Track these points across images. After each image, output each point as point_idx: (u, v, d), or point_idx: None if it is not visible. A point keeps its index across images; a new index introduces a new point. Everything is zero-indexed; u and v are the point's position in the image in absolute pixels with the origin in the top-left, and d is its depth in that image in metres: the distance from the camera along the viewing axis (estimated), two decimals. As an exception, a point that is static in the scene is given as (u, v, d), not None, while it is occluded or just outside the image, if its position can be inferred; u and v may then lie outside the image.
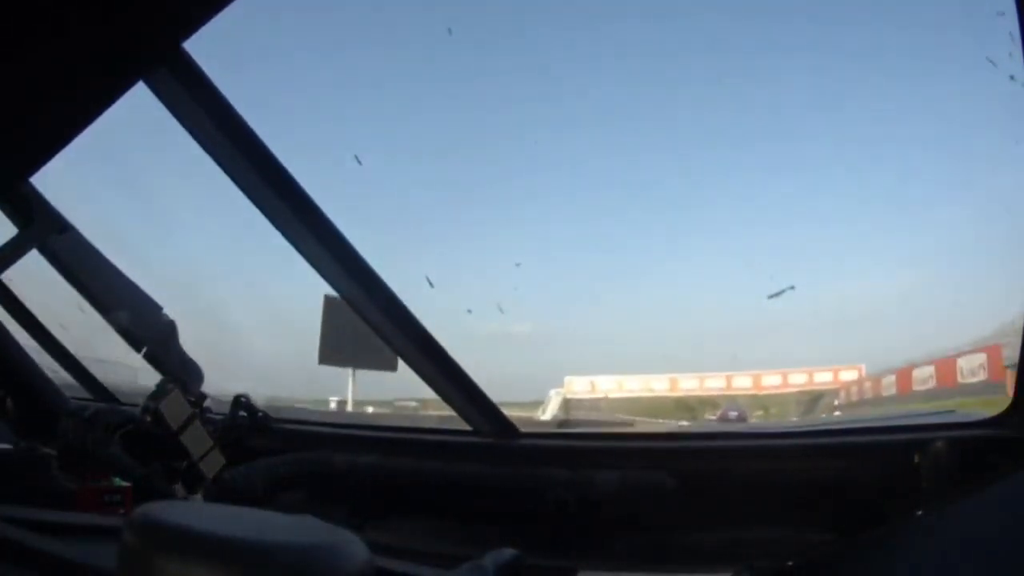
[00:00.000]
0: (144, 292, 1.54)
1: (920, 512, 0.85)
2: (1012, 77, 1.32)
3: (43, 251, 1.54)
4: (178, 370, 1.48)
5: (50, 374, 1.73)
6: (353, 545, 0.40)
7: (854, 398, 11.89)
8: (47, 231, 1.45)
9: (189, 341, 1.54)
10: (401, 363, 1.55)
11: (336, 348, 7.20)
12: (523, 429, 1.51)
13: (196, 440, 1.33)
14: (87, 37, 0.79)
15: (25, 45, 0.79)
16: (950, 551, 0.68)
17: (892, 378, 10.67)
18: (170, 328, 1.53)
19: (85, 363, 1.88)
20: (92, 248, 1.53)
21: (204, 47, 1.03)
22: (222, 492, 1.33)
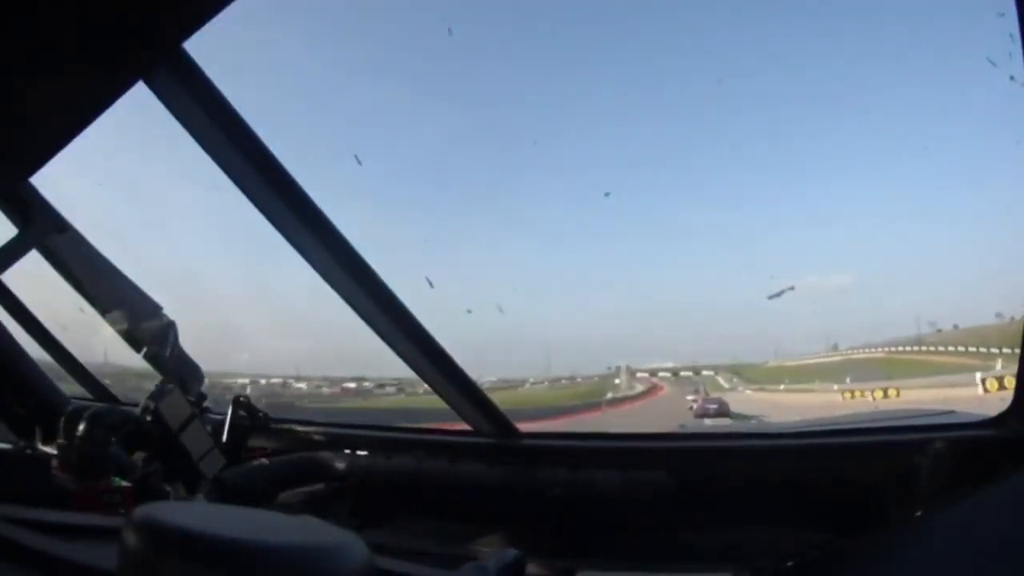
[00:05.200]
0: (144, 292, 1.54)
1: (920, 512, 0.85)
2: (1012, 77, 1.32)
3: (43, 251, 1.54)
4: (178, 370, 1.48)
5: (50, 374, 1.73)
6: (353, 545, 0.40)
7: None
8: (47, 231, 1.45)
9: (189, 341, 1.55)
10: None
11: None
12: (523, 430, 1.51)
13: (196, 440, 1.33)
14: (87, 37, 0.79)
15: (25, 45, 0.78)
16: (950, 551, 0.68)
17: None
18: (170, 328, 1.53)
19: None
20: (92, 248, 1.53)
21: (204, 47, 1.03)
22: (222, 492, 1.33)
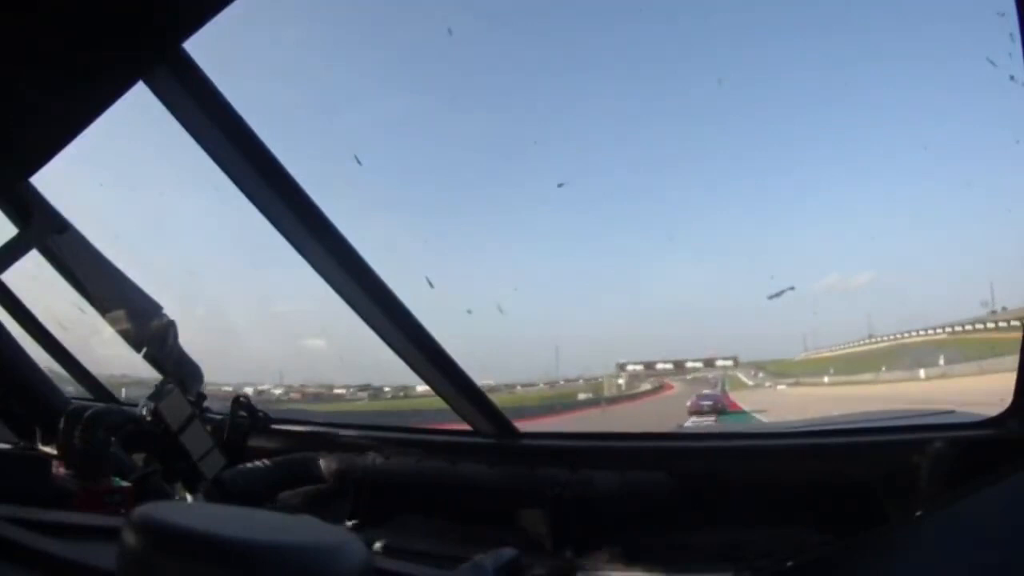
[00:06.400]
0: (144, 292, 1.54)
1: (920, 512, 0.85)
2: (1012, 77, 1.32)
3: (43, 251, 1.54)
4: (178, 370, 1.48)
5: (50, 374, 1.73)
6: (353, 545, 0.40)
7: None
8: (47, 231, 1.45)
9: (189, 341, 1.55)
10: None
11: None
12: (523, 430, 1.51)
13: (196, 440, 1.33)
14: (87, 37, 0.79)
15: (25, 45, 0.78)
16: (950, 551, 0.68)
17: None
18: (170, 328, 1.53)
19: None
20: (92, 248, 1.53)
21: (204, 47, 1.03)
22: (222, 492, 1.33)
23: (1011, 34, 0.91)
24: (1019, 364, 1.03)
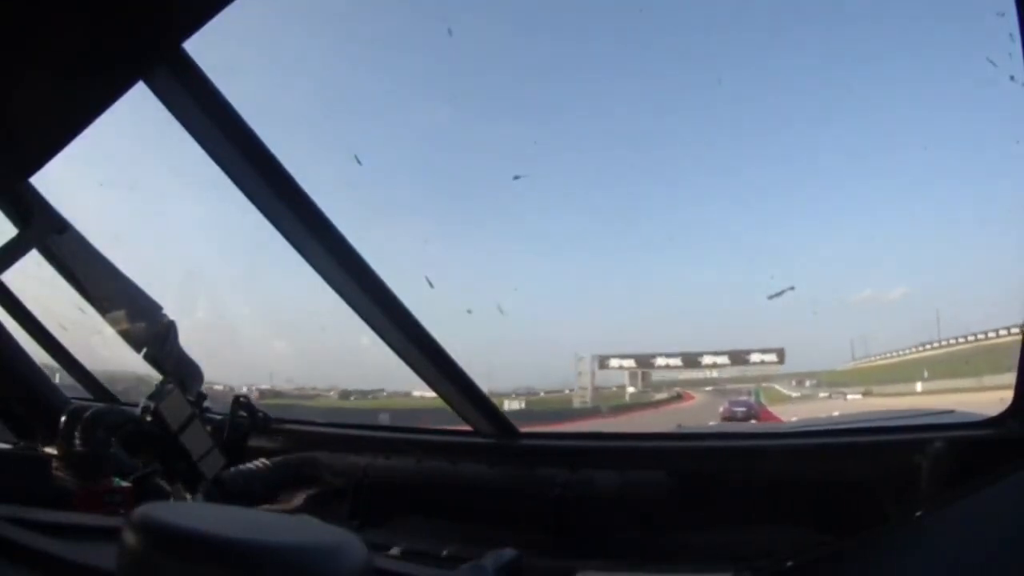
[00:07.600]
0: (144, 292, 1.54)
1: (920, 512, 0.85)
2: (1012, 77, 1.32)
3: (43, 251, 1.54)
4: (178, 370, 1.48)
5: (50, 374, 1.73)
6: (353, 545, 0.40)
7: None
8: (47, 231, 1.45)
9: (189, 341, 1.55)
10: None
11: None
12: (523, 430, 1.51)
13: (196, 440, 1.32)
14: (87, 37, 0.79)
15: (25, 45, 0.78)
16: (950, 551, 0.68)
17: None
18: (170, 328, 1.52)
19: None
20: (92, 248, 1.53)
21: (204, 47, 1.03)
22: (222, 492, 1.33)
23: (1011, 34, 0.91)
24: (1019, 364, 1.03)
